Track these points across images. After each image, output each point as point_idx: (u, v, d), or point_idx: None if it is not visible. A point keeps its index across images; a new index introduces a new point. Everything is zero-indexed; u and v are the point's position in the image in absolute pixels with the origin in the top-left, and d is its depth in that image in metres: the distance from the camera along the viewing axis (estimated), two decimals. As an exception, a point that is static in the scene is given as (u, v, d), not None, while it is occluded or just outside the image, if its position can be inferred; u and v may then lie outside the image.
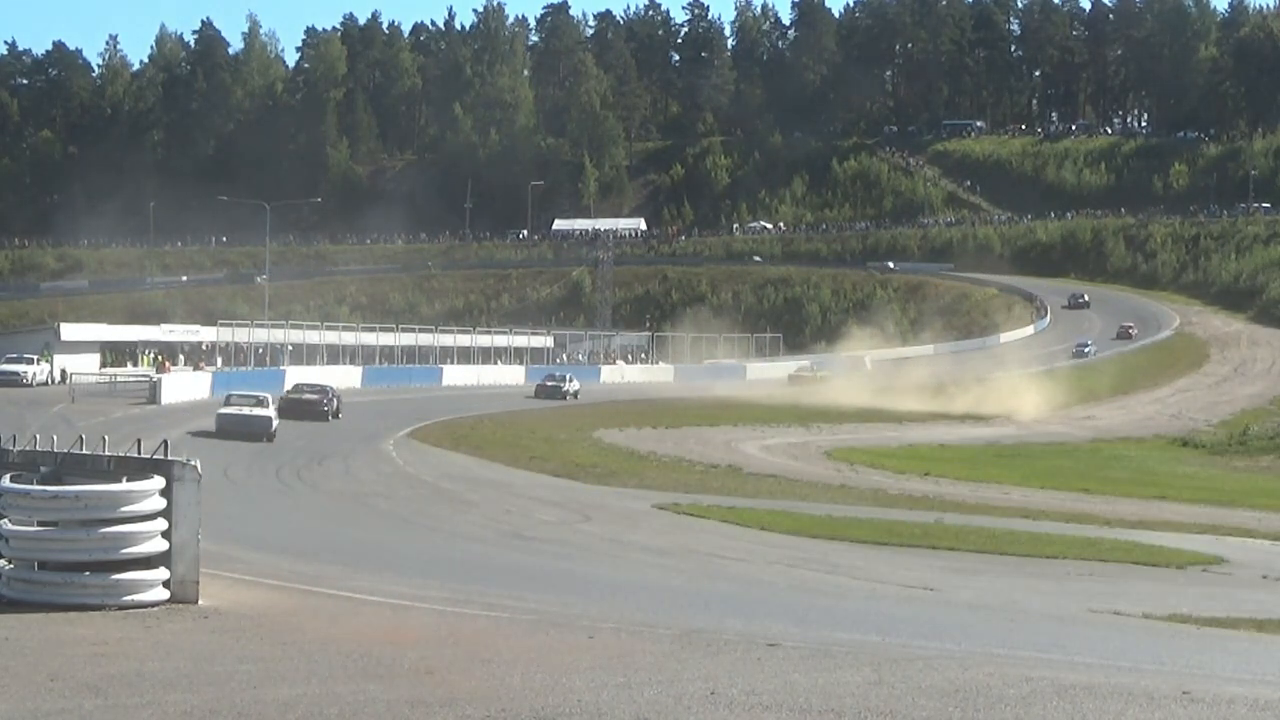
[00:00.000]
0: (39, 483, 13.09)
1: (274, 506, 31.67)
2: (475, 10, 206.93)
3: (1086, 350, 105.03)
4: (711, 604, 17.97)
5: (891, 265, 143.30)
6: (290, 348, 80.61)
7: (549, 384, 77.62)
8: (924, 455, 60.75)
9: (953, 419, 75.04)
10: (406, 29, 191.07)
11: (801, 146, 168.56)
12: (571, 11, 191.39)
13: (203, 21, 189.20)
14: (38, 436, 15.52)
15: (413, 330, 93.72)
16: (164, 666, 10.06)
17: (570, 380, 78.62)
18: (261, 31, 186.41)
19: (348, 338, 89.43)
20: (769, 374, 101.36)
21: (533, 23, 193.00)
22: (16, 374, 64.50)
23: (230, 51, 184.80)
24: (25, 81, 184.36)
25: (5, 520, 12.99)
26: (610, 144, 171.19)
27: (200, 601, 12.94)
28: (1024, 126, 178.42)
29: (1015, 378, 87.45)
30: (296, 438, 47.93)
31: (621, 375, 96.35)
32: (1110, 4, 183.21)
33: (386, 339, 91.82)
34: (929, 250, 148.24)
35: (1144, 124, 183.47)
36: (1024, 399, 79.68)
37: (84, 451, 14.17)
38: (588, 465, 47.92)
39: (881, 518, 37.36)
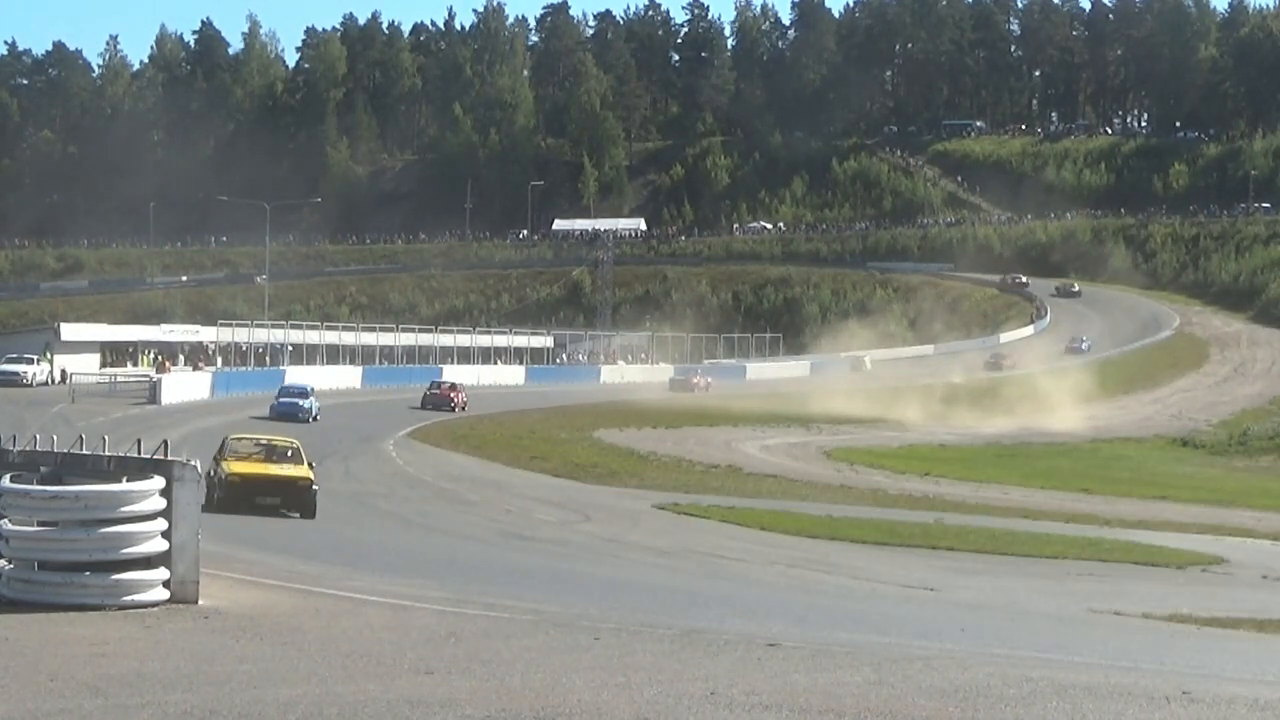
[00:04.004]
0: (39, 483, 13.08)
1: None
2: (475, 10, 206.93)
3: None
4: (711, 604, 17.96)
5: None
6: (290, 348, 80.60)
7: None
8: (924, 455, 60.78)
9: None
10: (406, 29, 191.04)
11: (801, 146, 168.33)
12: (571, 12, 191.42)
13: (203, 21, 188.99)
14: (38, 436, 15.52)
15: (413, 330, 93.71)
16: (164, 666, 10.06)
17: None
18: (261, 31, 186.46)
19: (348, 338, 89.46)
20: (766, 374, 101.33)
21: (532, 23, 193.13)
22: (16, 374, 64.55)
23: (230, 51, 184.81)
24: (25, 81, 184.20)
25: (5, 520, 12.98)
26: (610, 144, 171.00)
27: (200, 601, 12.93)
28: (1024, 126, 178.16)
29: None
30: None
31: (621, 375, 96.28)
32: (1110, 4, 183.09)
33: (386, 339, 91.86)
34: (929, 250, 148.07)
35: (1144, 124, 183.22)
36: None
37: (84, 451, 14.17)
38: (588, 465, 47.95)
39: (881, 518, 37.38)
